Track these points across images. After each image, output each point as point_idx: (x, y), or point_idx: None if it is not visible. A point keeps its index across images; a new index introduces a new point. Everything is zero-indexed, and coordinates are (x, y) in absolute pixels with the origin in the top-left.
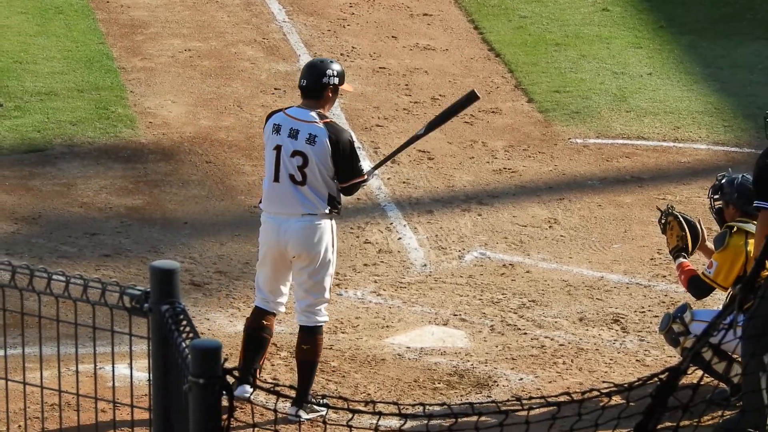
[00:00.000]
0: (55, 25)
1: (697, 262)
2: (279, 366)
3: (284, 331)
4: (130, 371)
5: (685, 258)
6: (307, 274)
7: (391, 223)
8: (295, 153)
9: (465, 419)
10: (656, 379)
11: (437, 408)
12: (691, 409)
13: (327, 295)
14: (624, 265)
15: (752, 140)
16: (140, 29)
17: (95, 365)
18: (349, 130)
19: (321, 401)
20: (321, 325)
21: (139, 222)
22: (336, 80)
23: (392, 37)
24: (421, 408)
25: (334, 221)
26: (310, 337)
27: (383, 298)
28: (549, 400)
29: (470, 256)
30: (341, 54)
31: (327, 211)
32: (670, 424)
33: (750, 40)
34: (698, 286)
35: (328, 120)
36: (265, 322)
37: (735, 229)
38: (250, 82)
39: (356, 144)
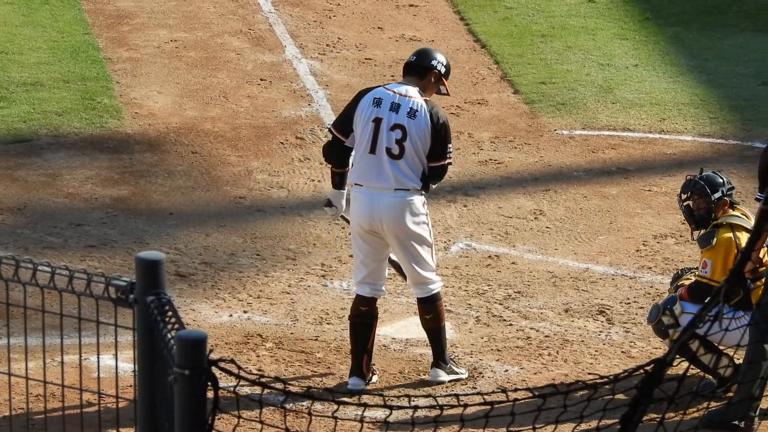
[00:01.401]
0: (40, 16)
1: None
2: (264, 357)
3: (270, 322)
4: (116, 362)
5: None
6: (407, 250)
7: None
8: (395, 126)
9: (450, 411)
10: (642, 370)
11: (422, 399)
12: (677, 401)
13: (433, 263)
14: (609, 256)
15: (738, 132)
16: (126, 20)
17: (80, 356)
18: None
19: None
20: (437, 292)
21: (124, 213)
22: (442, 69)
23: (378, 28)
24: (407, 399)
25: (425, 197)
26: (429, 307)
27: None
28: (534, 391)
29: (456, 248)
30: (327, 45)
31: (419, 187)
32: (655, 415)
33: (736, 32)
34: (699, 290)
35: (427, 98)
36: (364, 309)
37: (720, 226)
38: (236, 72)
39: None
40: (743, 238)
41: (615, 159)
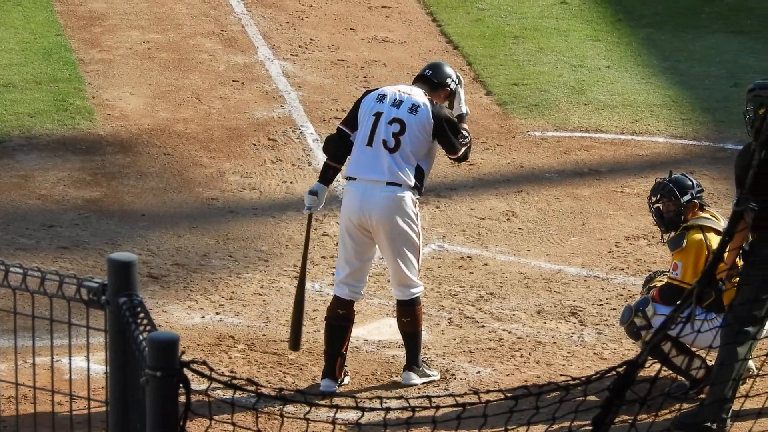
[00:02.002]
0: (13, 17)
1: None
2: (236, 359)
3: (242, 324)
4: (87, 364)
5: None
6: (394, 248)
7: None
8: (394, 120)
9: (422, 412)
10: (614, 372)
11: (395, 401)
12: (649, 403)
13: (417, 267)
14: (582, 257)
15: (710, 133)
16: (98, 21)
17: (52, 358)
18: (309, 122)
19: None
20: (417, 297)
21: (96, 214)
22: (453, 86)
23: (350, 29)
24: (379, 401)
25: (416, 196)
26: (408, 310)
27: None
28: (506, 393)
29: (428, 249)
30: (299, 46)
31: (412, 183)
32: (627, 417)
33: (708, 34)
34: (670, 293)
35: (432, 99)
36: (342, 311)
37: (690, 228)
38: (209, 74)
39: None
40: (714, 239)
41: (587, 160)
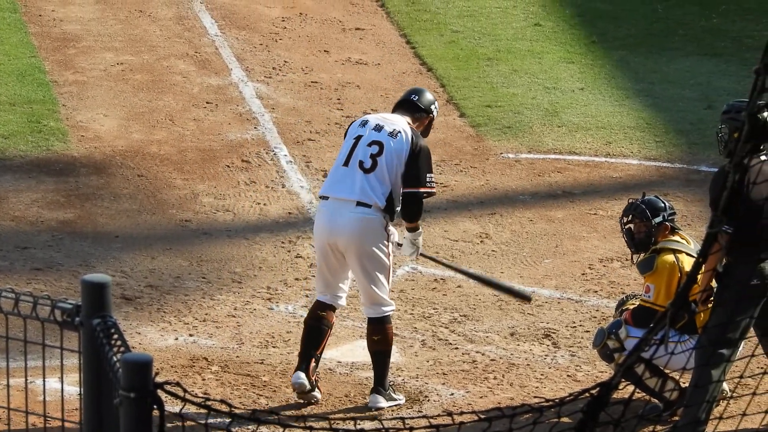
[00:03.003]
0: None
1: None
2: (210, 381)
3: (215, 345)
4: (61, 385)
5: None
6: (364, 269)
7: None
8: (373, 142)
9: None
10: (587, 394)
11: (368, 422)
12: (623, 425)
13: (388, 286)
14: (555, 280)
15: (684, 155)
16: (72, 43)
17: (26, 379)
18: (283, 144)
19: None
20: (388, 315)
21: (70, 236)
22: (435, 113)
23: (324, 51)
24: (353, 422)
25: (388, 221)
26: (378, 328)
27: None
28: (480, 415)
29: (401, 271)
30: (273, 68)
31: (382, 207)
32: None
33: (682, 56)
34: (642, 315)
35: (413, 126)
36: (321, 313)
37: (661, 251)
38: (182, 95)
39: (432, 156)
40: (686, 261)
41: (561, 182)
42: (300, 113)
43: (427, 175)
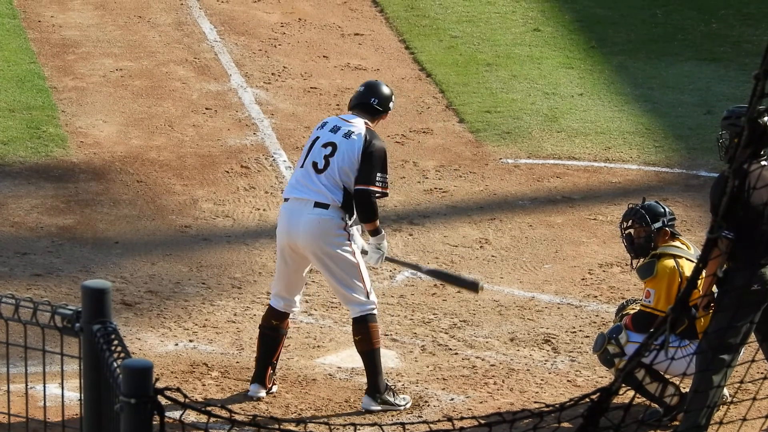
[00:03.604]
0: None
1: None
2: (210, 386)
3: (215, 351)
4: (62, 391)
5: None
6: (329, 270)
7: None
8: (327, 144)
9: None
10: (587, 399)
11: (368, 428)
12: (623, 430)
13: (362, 284)
14: (555, 285)
15: (683, 161)
16: (72, 49)
17: (26, 385)
18: (282, 150)
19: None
20: (370, 313)
21: (70, 241)
22: (391, 107)
23: (323, 56)
24: (352, 428)
25: (347, 220)
26: (359, 327)
27: (314, 318)
28: (480, 420)
29: (401, 276)
30: (272, 74)
31: (340, 204)
32: None
33: (681, 61)
34: (643, 320)
35: (371, 127)
36: (275, 322)
37: (660, 256)
38: (182, 101)
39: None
40: (687, 266)
41: (560, 188)
42: (299, 119)
43: (378, 174)
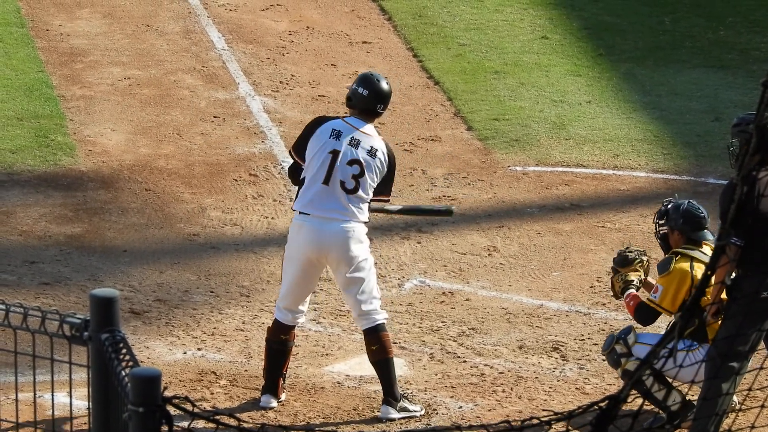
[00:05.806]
0: None
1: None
2: (218, 395)
3: (224, 359)
4: (70, 400)
5: (635, 289)
6: (353, 280)
7: None
8: (353, 162)
9: None
10: (596, 407)
11: None
12: None
13: (376, 293)
14: (563, 292)
15: (691, 168)
16: (80, 57)
17: (35, 394)
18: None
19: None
20: (382, 323)
21: (78, 250)
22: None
23: (331, 65)
24: None
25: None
26: (374, 337)
27: (323, 326)
28: (489, 428)
29: (410, 284)
30: (280, 82)
31: (366, 219)
32: None
33: (689, 68)
34: (644, 312)
35: (382, 137)
36: (284, 336)
37: (679, 255)
38: (190, 110)
39: None
40: (700, 271)
41: (568, 195)
42: None
43: (391, 185)
